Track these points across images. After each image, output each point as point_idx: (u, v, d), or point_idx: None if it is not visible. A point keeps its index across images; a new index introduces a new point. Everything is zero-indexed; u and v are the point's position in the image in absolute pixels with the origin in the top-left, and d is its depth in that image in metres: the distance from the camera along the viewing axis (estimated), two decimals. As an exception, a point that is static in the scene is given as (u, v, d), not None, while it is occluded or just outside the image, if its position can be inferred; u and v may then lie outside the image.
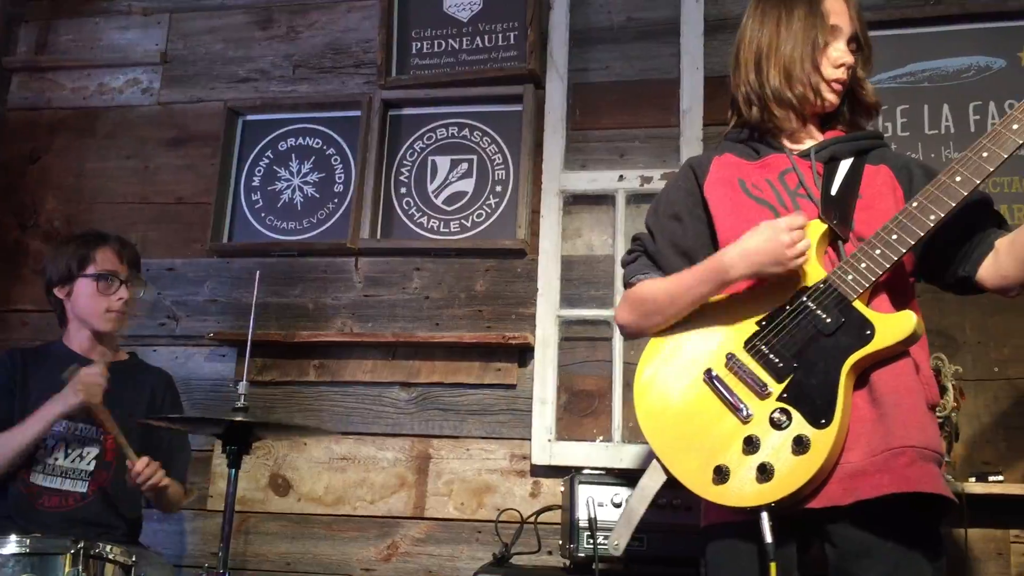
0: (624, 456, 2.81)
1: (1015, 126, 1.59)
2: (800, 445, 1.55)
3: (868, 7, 2.95)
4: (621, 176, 3.08)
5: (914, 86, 2.94)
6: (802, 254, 1.61)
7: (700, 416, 1.66)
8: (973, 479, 2.49)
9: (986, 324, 2.67)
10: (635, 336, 1.87)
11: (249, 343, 2.32)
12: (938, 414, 2.55)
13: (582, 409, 2.95)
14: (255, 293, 2.34)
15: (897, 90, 2.95)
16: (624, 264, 1.88)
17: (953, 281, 1.71)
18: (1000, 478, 2.49)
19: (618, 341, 2.92)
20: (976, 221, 1.69)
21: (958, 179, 1.59)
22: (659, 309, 1.76)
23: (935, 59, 2.94)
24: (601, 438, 2.88)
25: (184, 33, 3.57)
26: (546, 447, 2.89)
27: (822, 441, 1.54)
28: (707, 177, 1.82)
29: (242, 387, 2.15)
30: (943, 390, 2.56)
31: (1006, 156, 1.58)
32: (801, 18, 1.75)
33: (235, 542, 2.99)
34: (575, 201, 3.13)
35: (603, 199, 3.10)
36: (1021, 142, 1.58)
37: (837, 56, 1.75)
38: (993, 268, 1.66)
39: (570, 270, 3.05)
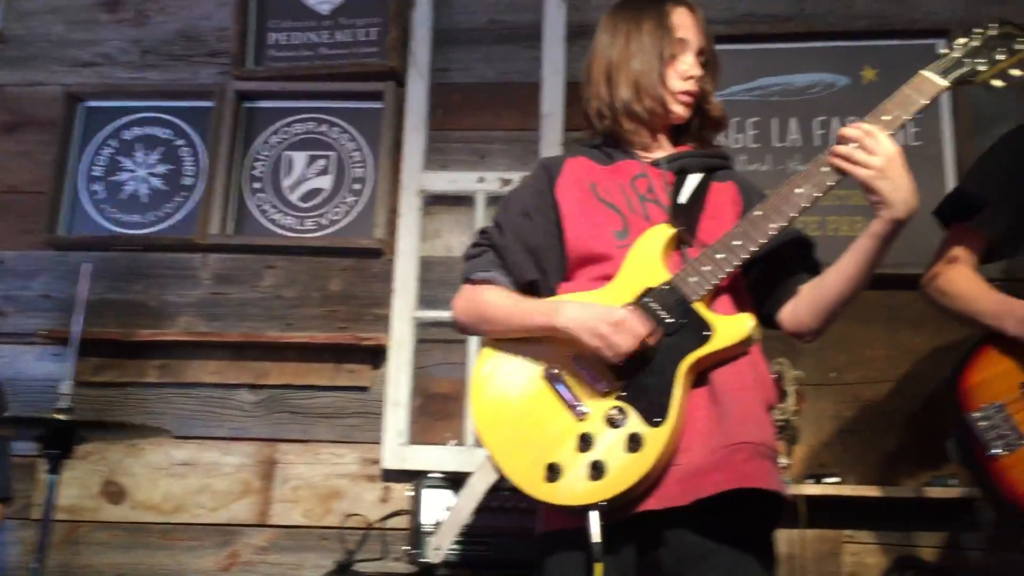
0: (475, 460, 2.78)
1: (797, 191, 1.62)
2: (634, 443, 1.55)
3: (720, 21, 3.05)
4: (481, 178, 3.06)
5: (764, 100, 3.03)
6: (622, 355, 1.60)
7: (536, 414, 1.64)
8: (811, 480, 2.57)
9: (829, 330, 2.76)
10: (468, 334, 1.85)
11: (78, 340, 2.18)
12: (780, 417, 2.62)
13: (436, 412, 2.90)
14: (84, 287, 2.20)
15: (748, 103, 3.03)
16: (467, 257, 1.85)
17: (759, 316, 1.75)
18: (836, 479, 2.58)
19: (474, 343, 2.89)
20: (791, 262, 1.74)
21: (800, 191, 1.62)
22: (493, 322, 1.74)
23: (784, 74, 3.04)
24: (454, 441, 2.84)
25: (22, 12, 3.36)
26: (398, 451, 2.84)
27: (656, 439, 1.55)
28: (559, 178, 1.82)
29: (65, 386, 2.02)
30: (785, 394, 2.63)
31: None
32: (649, 31, 1.77)
33: (63, 553, 2.81)
34: (435, 202, 3.09)
35: (463, 200, 3.07)
36: (804, 205, 1.61)
37: (685, 69, 1.78)
38: (791, 313, 1.71)
39: (428, 271, 3.01)
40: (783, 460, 2.59)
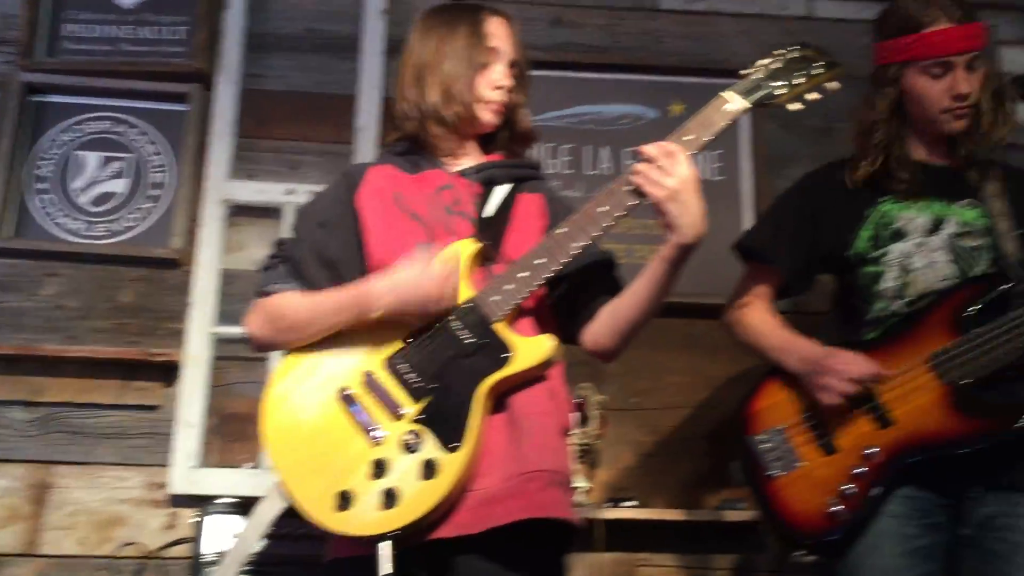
0: (271, 484, 2.65)
1: (600, 209, 1.62)
2: (430, 469, 1.50)
3: (539, 47, 3.08)
4: (291, 190, 2.95)
5: (578, 127, 3.08)
6: (448, 294, 1.57)
7: (329, 438, 1.56)
8: (610, 505, 2.60)
9: (628, 357, 2.80)
10: (267, 349, 1.75)
11: None
12: (583, 442, 2.64)
13: (233, 433, 2.75)
14: None
15: (563, 129, 3.07)
16: (263, 268, 1.75)
17: (563, 337, 1.75)
18: (634, 503, 2.62)
19: (276, 361, 2.75)
20: (593, 282, 1.75)
21: (602, 209, 1.62)
22: (296, 327, 1.65)
23: (598, 104, 3.10)
24: (250, 464, 2.70)
25: None
26: (188, 475, 2.66)
27: (452, 465, 1.50)
28: (361, 187, 1.76)
29: None
30: (589, 418, 2.66)
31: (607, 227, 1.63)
32: (463, 37, 1.75)
33: None
34: (240, 212, 2.95)
35: (270, 212, 2.95)
36: (607, 224, 1.62)
37: (495, 78, 1.76)
38: (591, 334, 1.72)
39: (231, 284, 2.86)
40: (584, 484, 2.61)
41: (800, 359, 1.92)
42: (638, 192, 1.59)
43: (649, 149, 1.58)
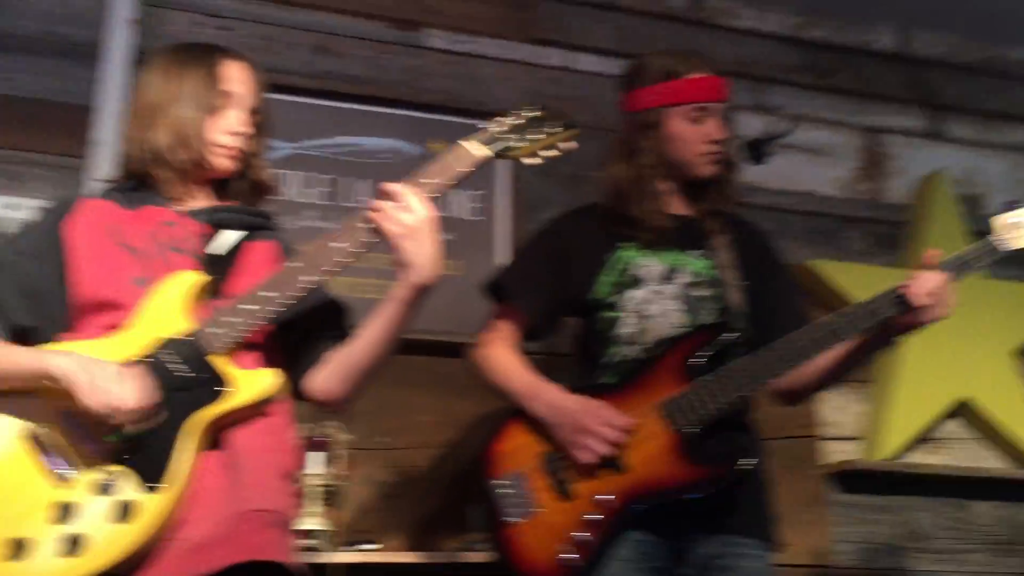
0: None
1: (334, 245, 1.58)
2: (124, 512, 1.38)
3: (300, 74, 3.00)
4: (13, 204, 2.67)
5: (337, 158, 3.01)
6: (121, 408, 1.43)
7: (9, 480, 1.40)
8: (351, 547, 2.51)
9: (379, 395, 2.75)
10: None
11: None
12: (326, 483, 2.54)
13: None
14: None
15: (321, 159, 2.99)
16: None
17: (293, 385, 1.69)
18: (377, 546, 2.54)
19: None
20: (321, 328, 1.69)
21: (336, 245, 1.57)
22: None
23: (359, 136, 3.05)
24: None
25: None
26: None
27: (151, 507, 1.38)
28: (71, 217, 1.64)
29: None
30: (333, 458, 2.57)
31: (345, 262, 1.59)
32: (197, 79, 1.67)
33: None
34: (-53, 224, 2.64)
35: (-12, 227, 2.66)
36: (339, 260, 1.58)
37: (231, 124, 1.68)
38: (322, 381, 1.66)
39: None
40: (325, 527, 2.51)
41: (546, 406, 1.92)
42: (375, 229, 1.55)
43: (388, 187, 1.56)
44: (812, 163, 3.52)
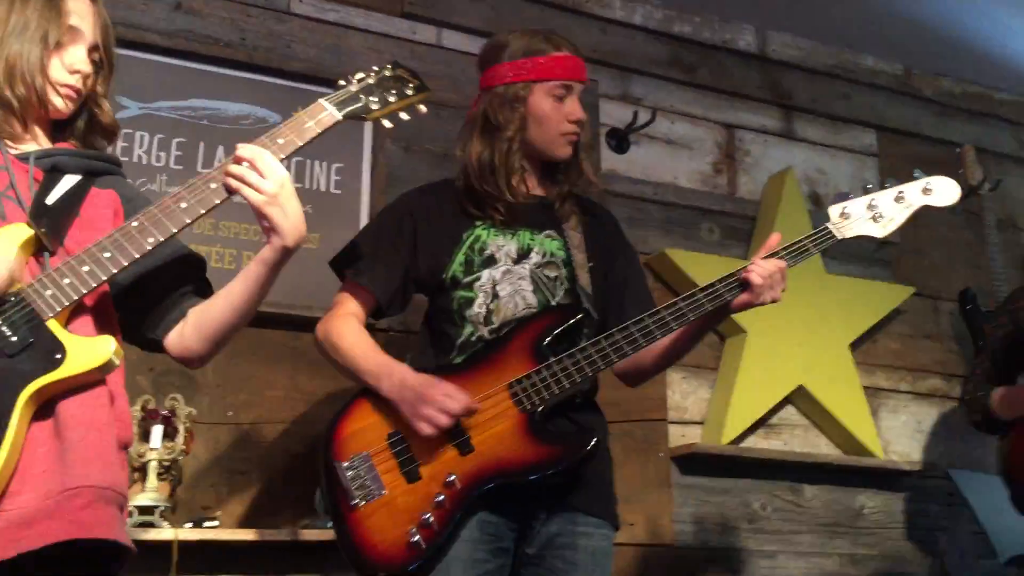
0: None
1: (182, 204, 1.52)
2: None
3: (157, 31, 2.87)
4: None
5: (194, 121, 2.90)
6: None
7: None
8: (190, 524, 2.44)
9: (227, 368, 2.68)
10: None
11: None
12: (165, 457, 2.46)
13: None
14: None
15: (176, 121, 2.87)
16: None
17: (143, 342, 1.63)
18: (215, 523, 2.48)
19: None
20: (176, 281, 1.64)
21: (184, 205, 1.50)
22: None
23: (217, 99, 2.94)
24: None
25: None
26: None
27: None
28: None
29: None
30: (174, 432, 2.48)
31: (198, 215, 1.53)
32: (36, 10, 1.55)
33: None
34: None
35: None
36: (187, 221, 1.51)
37: (72, 61, 1.57)
38: (179, 336, 1.61)
39: None
40: (163, 503, 2.43)
41: (395, 385, 1.88)
42: (226, 191, 1.50)
43: (244, 151, 1.50)
44: (672, 155, 3.62)
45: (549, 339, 1.92)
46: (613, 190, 3.41)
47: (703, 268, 3.30)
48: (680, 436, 3.28)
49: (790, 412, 3.49)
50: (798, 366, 3.40)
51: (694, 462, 3.24)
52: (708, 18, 3.76)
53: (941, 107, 4.14)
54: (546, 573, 1.89)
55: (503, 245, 2.03)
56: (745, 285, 1.91)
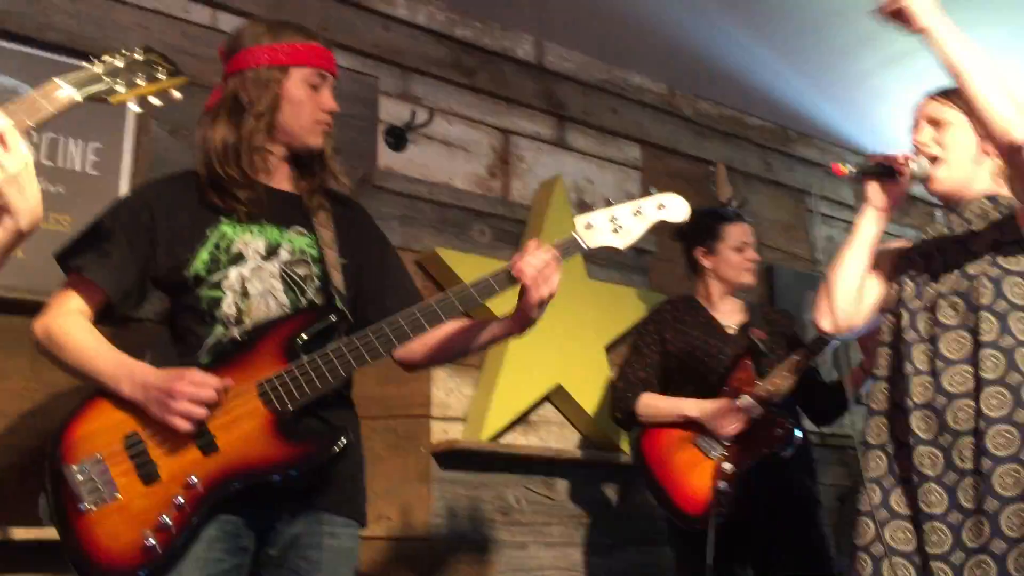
0: None
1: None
2: None
3: None
4: None
5: (-70, 88, 2.67)
6: None
7: None
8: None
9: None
10: None
11: None
12: None
13: None
14: None
15: (-92, 86, 2.64)
16: None
17: None
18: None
19: None
20: None
21: None
22: None
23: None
24: None
25: None
26: None
27: None
28: None
29: None
30: None
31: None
32: None
33: None
34: None
35: None
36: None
37: None
38: None
39: None
40: None
41: (137, 386, 1.80)
42: None
43: None
44: (448, 156, 3.69)
45: (302, 339, 1.90)
46: (389, 187, 3.44)
47: (473, 268, 3.37)
48: (442, 432, 3.36)
49: (548, 409, 3.65)
50: (556, 366, 3.57)
51: (454, 457, 3.33)
52: (490, 25, 3.85)
53: (699, 127, 4.45)
54: (288, 574, 1.89)
55: (250, 242, 1.97)
56: (514, 279, 1.93)
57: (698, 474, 2.89)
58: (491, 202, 3.74)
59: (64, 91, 1.54)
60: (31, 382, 2.62)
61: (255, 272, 1.96)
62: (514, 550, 3.43)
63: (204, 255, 1.95)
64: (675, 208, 2.07)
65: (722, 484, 2.84)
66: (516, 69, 3.92)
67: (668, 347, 3.12)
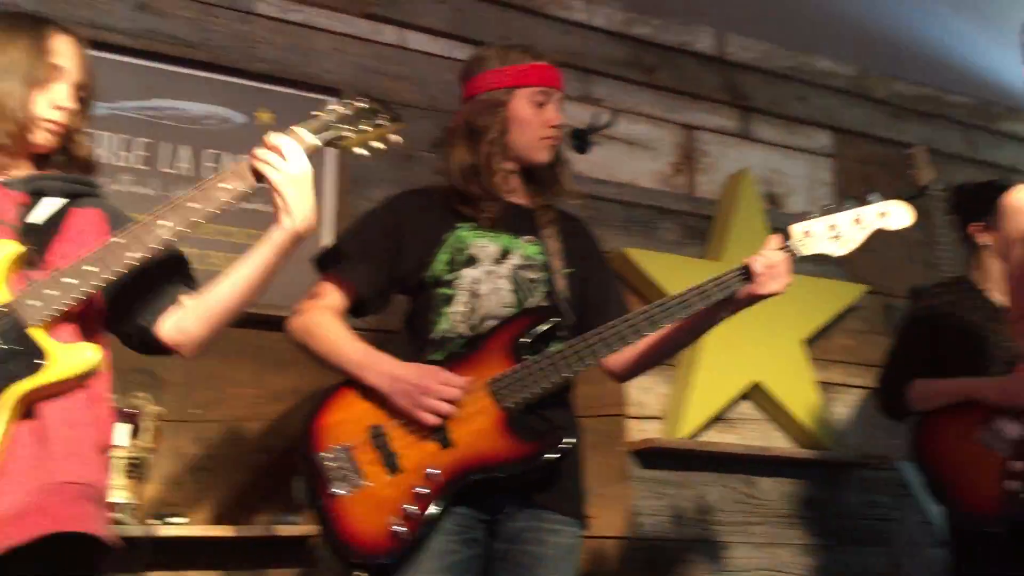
0: None
1: (227, 185, 1.64)
2: None
3: (120, 31, 2.89)
4: None
5: (157, 121, 2.91)
6: None
7: None
8: (157, 521, 2.47)
9: (191, 366, 2.70)
10: None
11: None
12: (132, 455, 2.49)
13: None
14: None
15: (140, 122, 2.89)
16: None
17: (133, 332, 1.68)
18: (183, 520, 2.51)
19: None
20: (164, 274, 1.70)
21: (163, 223, 1.59)
22: None
23: (181, 99, 2.96)
24: None
25: None
26: None
27: None
28: None
29: None
30: (141, 430, 2.52)
31: (212, 210, 1.63)
32: (22, 50, 1.62)
33: None
34: None
35: None
36: (228, 201, 1.64)
37: (56, 98, 1.64)
38: (175, 324, 1.68)
39: None
40: (130, 500, 2.46)
41: (384, 376, 1.94)
42: (252, 174, 1.62)
43: (272, 138, 1.63)
44: (631, 155, 3.69)
45: (527, 339, 1.99)
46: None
47: (662, 267, 3.38)
48: (639, 431, 3.36)
49: (746, 407, 3.58)
50: (754, 363, 3.49)
51: (653, 456, 3.32)
52: (667, 20, 3.83)
53: (894, 108, 4.25)
54: (515, 567, 1.96)
55: (484, 246, 2.09)
56: (748, 275, 1.98)
57: (984, 469, 2.55)
58: (677, 199, 3.71)
59: (306, 138, 1.68)
60: (257, 389, 2.82)
61: (487, 275, 2.07)
62: (719, 550, 3.38)
63: (443, 257, 2.08)
64: (898, 216, 2.03)
65: (1014, 484, 2.50)
66: (697, 63, 3.88)
67: (941, 336, 2.73)
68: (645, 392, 3.42)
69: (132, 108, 2.89)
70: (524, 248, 2.12)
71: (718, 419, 3.48)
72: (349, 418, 1.96)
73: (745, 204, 3.64)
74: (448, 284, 2.06)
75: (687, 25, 3.87)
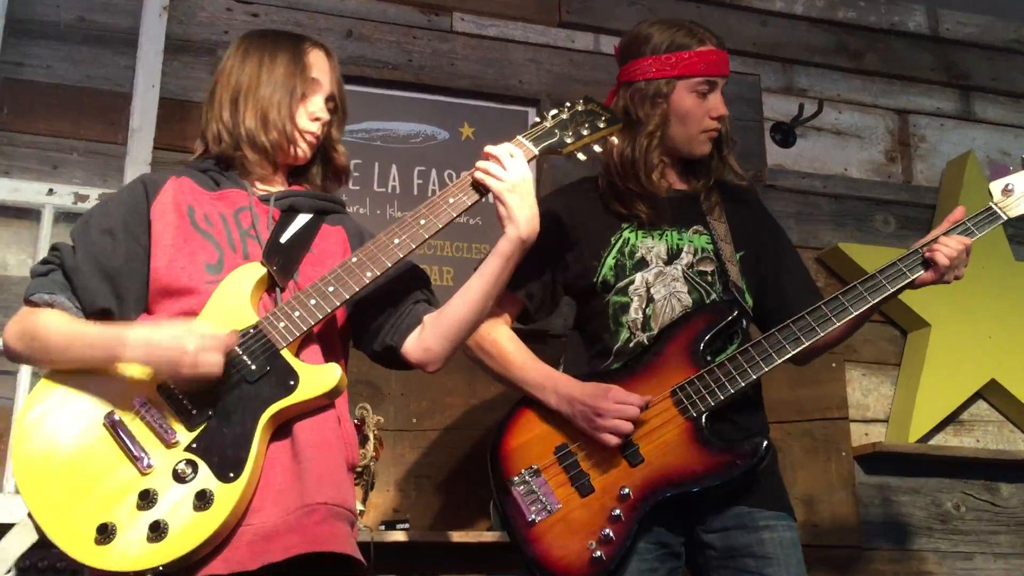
0: (15, 509, 2.42)
1: (451, 199, 1.67)
2: (202, 500, 1.42)
3: (332, 59, 3.02)
4: (51, 190, 2.72)
5: (367, 143, 3.04)
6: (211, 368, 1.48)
7: (92, 466, 1.45)
8: (383, 527, 2.56)
9: (409, 377, 2.79)
10: (22, 363, 1.62)
11: None
12: (359, 464, 2.59)
13: (-27, 455, 2.50)
14: None
15: (352, 144, 3.01)
16: (33, 274, 1.61)
17: (380, 349, 1.71)
18: (406, 526, 2.59)
19: (26, 375, 2.53)
20: (407, 293, 1.73)
21: (396, 241, 1.63)
22: (49, 351, 1.53)
23: (388, 120, 3.07)
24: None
25: None
26: (-82, 499, 2.39)
27: (227, 497, 1.43)
28: (158, 197, 1.67)
29: None
30: (364, 439, 2.61)
31: (441, 226, 1.66)
32: (284, 64, 1.71)
33: None
34: (-8, 212, 2.70)
35: (27, 213, 2.71)
36: (455, 215, 1.67)
37: (314, 110, 1.73)
38: (417, 341, 1.69)
39: (-22, 289, 2.61)
40: (358, 507, 2.56)
41: (563, 399, 1.88)
42: (475, 188, 1.65)
43: (491, 148, 1.66)
44: (841, 145, 3.51)
45: (707, 340, 1.90)
46: (780, 185, 3.35)
47: (880, 261, 3.13)
48: (863, 435, 3.18)
49: (981, 407, 3.32)
50: (988, 359, 3.23)
51: (879, 461, 3.13)
52: (873, 2, 3.62)
53: None
54: (736, 573, 1.87)
55: (652, 247, 2.01)
56: (928, 264, 1.86)
57: None
58: (893, 189, 3.50)
59: (529, 147, 1.70)
60: (470, 398, 2.87)
61: (659, 277, 1.99)
62: (958, 560, 3.14)
63: (610, 261, 2.01)
64: None
65: None
66: (909, 44, 3.65)
67: None
68: (867, 394, 3.25)
69: (346, 132, 3.01)
70: (693, 241, 2.02)
71: (949, 421, 3.24)
72: (535, 439, 1.90)
73: (970, 190, 3.38)
74: (621, 290, 1.98)
75: (895, 4, 3.65)
